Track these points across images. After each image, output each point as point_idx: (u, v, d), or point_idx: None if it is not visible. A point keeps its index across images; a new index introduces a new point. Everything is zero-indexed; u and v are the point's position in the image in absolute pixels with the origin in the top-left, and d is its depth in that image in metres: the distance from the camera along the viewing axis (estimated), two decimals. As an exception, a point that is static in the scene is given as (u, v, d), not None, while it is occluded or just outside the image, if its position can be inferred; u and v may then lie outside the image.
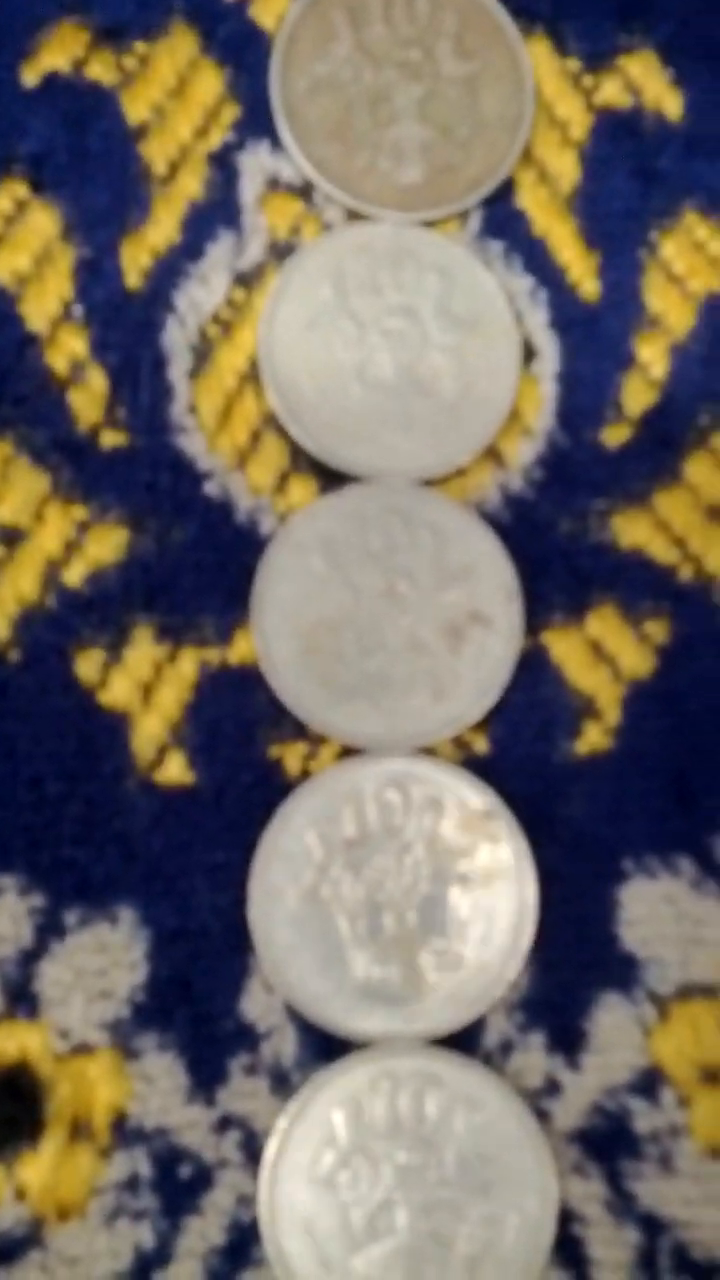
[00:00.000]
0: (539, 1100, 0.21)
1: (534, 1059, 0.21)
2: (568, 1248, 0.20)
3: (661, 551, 0.23)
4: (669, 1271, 0.20)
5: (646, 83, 0.24)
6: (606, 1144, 0.21)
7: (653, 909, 0.21)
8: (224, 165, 0.23)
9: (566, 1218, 0.20)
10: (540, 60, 0.24)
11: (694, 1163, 0.21)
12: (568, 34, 0.24)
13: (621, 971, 0.21)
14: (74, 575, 0.22)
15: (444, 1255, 0.20)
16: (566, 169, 0.24)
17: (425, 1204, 0.20)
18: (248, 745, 0.22)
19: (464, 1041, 0.21)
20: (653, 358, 0.23)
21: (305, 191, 0.23)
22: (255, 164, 0.23)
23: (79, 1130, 0.20)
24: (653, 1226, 0.20)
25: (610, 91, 0.24)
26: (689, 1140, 0.21)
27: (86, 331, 0.23)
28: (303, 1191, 0.20)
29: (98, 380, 0.23)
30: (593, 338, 0.23)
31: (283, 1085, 0.21)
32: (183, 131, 0.23)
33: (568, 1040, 0.21)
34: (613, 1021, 0.21)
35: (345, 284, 0.23)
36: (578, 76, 0.24)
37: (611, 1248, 0.20)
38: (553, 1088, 0.21)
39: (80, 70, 0.24)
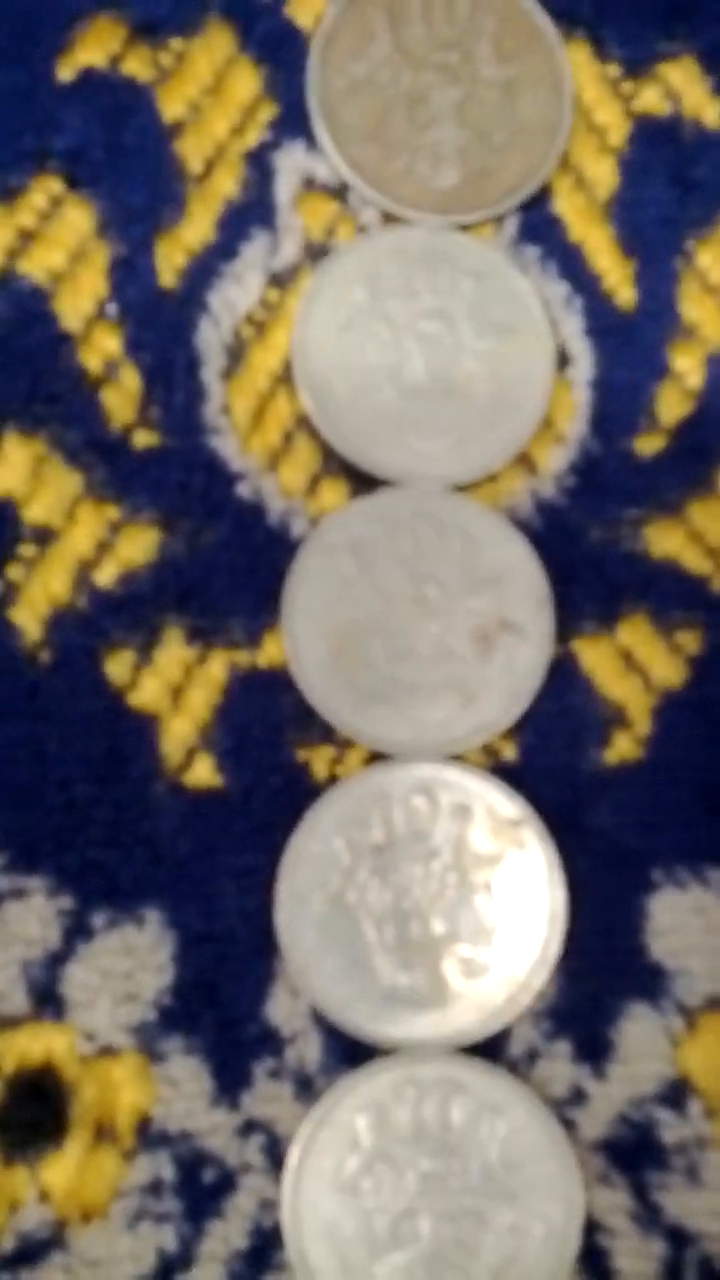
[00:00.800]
0: (565, 1109, 0.21)
1: (560, 1068, 0.21)
2: (593, 1258, 0.20)
3: (694, 562, 0.22)
4: (694, 1284, 0.20)
5: (686, 90, 0.24)
6: (632, 1155, 0.20)
7: (681, 920, 0.21)
8: (260, 164, 0.23)
9: (592, 1228, 0.20)
10: (580, 65, 0.24)
11: None
12: (609, 39, 0.24)
13: (649, 982, 0.21)
14: (105, 576, 0.22)
15: (467, 1264, 0.20)
16: (604, 175, 0.24)
17: (449, 1212, 0.20)
18: (276, 748, 0.21)
19: (490, 1049, 0.21)
20: (688, 367, 0.23)
21: (341, 192, 0.23)
22: (291, 164, 0.23)
23: (103, 1133, 0.20)
24: (679, 1238, 0.20)
25: (649, 98, 0.24)
26: (716, 1152, 0.20)
27: (120, 330, 0.22)
28: (326, 1197, 0.20)
29: (131, 380, 0.22)
30: (628, 345, 0.23)
31: (307, 1090, 0.20)
32: (219, 129, 0.23)
33: (594, 1050, 0.21)
34: (640, 1032, 0.21)
35: (380, 286, 0.23)
36: (617, 82, 0.24)
37: (637, 1259, 0.20)
38: (579, 1097, 0.21)
39: (116, 66, 0.23)
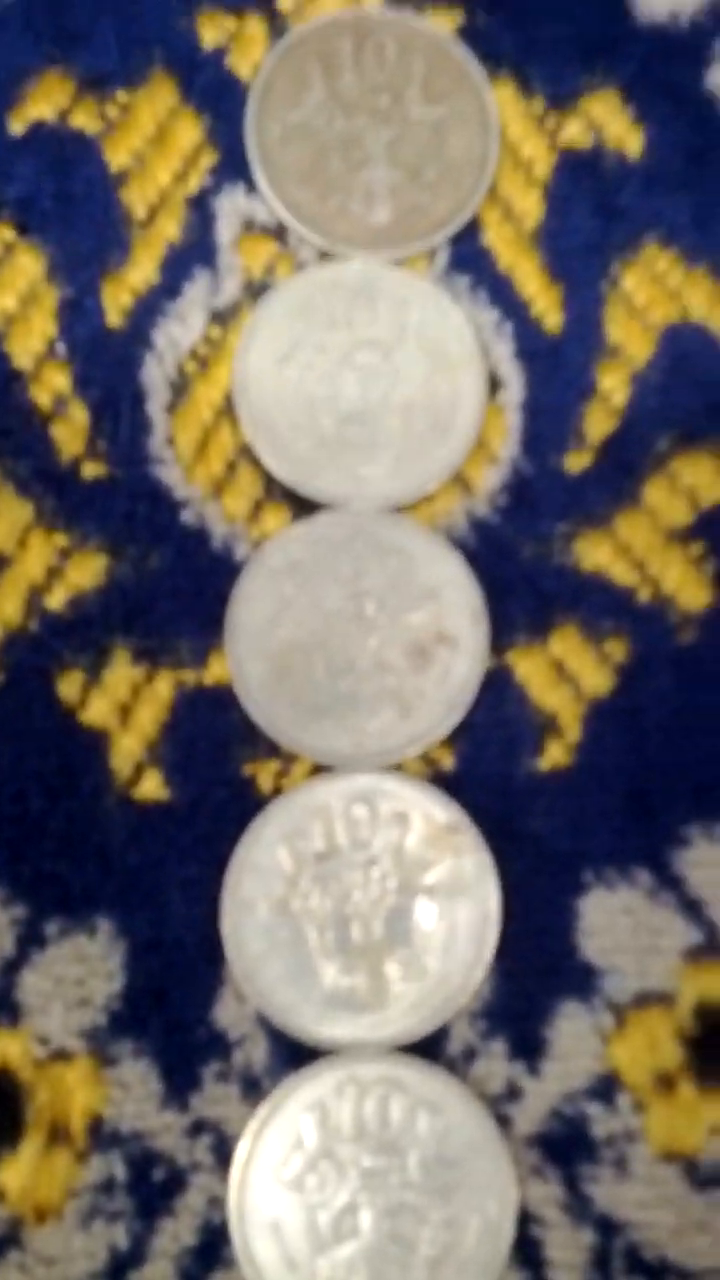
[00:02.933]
0: (500, 1105, 0.20)
1: (496, 1065, 0.20)
2: (526, 1249, 0.19)
3: (621, 574, 0.22)
4: (622, 1272, 0.19)
5: (608, 122, 0.23)
6: (565, 1148, 0.20)
7: (611, 919, 0.20)
8: (201, 208, 0.23)
9: (525, 1220, 0.19)
10: (506, 102, 0.23)
11: (648, 1166, 0.20)
12: (533, 76, 0.23)
13: (581, 980, 0.20)
14: (56, 600, 0.21)
15: (406, 1257, 0.19)
16: (531, 206, 0.23)
17: (389, 1207, 0.19)
18: (221, 763, 0.21)
19: (429, 1048, 0.20)
20: (613, 386, 0.22)
21: (279, 233, 0.23)
22: (231, 207, 0.23)
23: (57, 1134, 0.20)
24: (607, 1228, 0.20)
25: (573, 131, 0.23)
26: (644, 1144, 0.20)
27: (69, 368, 0.22)
28: (271, 1194, 0.19)
29: (79, 414, 0.22)
30: (556, 368, 0.22)
31: (253, 1091, 0.20)
32: (162, 177, 0.23)
33: (528, 1047, 0.20)
34: (572, 1029, 0.20)
35: (316, 320, 0.22)
36: (542, 117, 0.23)
37: (568, 1249, 0.19)
38: (514, 1093, 0.20)
39: (65, 119, 0.23)
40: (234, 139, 0.23)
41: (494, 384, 0.22)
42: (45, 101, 0.23)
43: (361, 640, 0.21)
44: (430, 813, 0.21)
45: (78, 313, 0.22)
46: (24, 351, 0.22)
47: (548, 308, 0.23)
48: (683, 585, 0.21)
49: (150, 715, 0.21)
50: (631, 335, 0.23)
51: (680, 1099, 0.20)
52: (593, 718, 0.21)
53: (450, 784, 0.21)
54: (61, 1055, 0.20)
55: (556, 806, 0.21)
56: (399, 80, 0.23)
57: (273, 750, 0.21)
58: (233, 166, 0.23)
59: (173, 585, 0.21)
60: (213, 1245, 0.19)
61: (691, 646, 0.21)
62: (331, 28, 0.24)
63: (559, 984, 0.20)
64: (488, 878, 0.20)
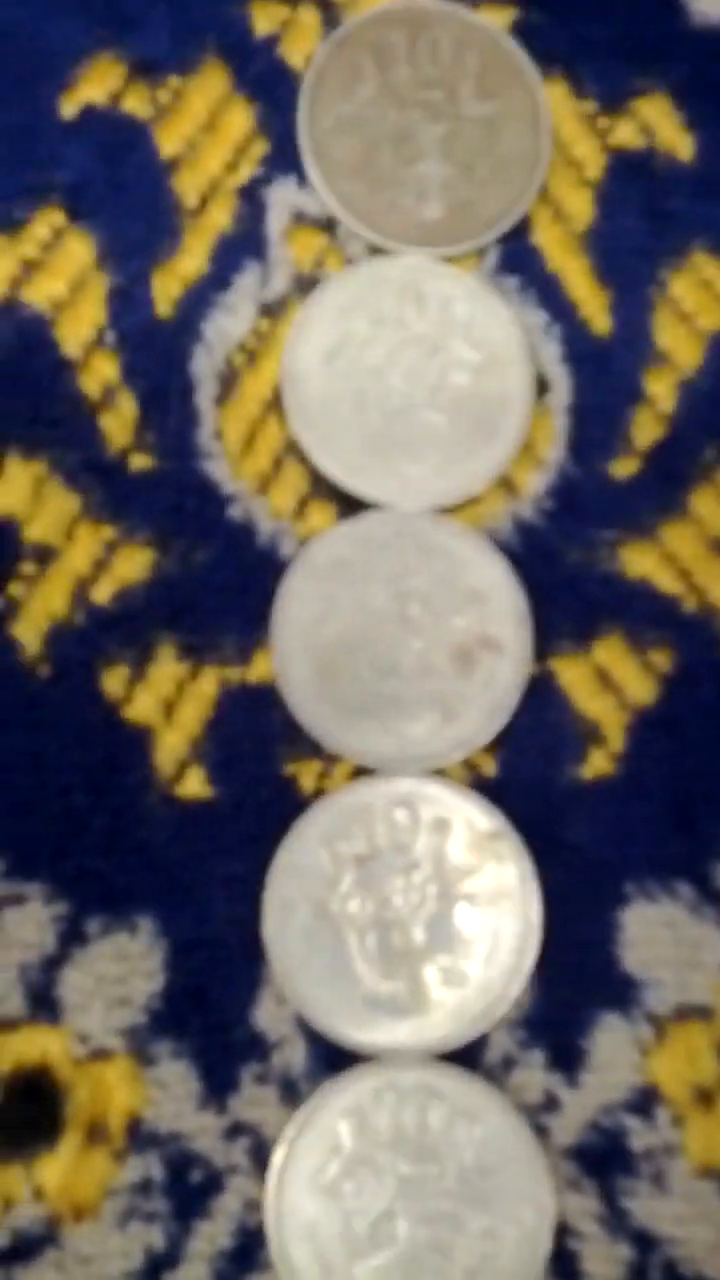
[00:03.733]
0: (538, 1116, 0.18)
1: (534, 1075, 0.18)
2: (563, 1261, 0.18)
3: (667, 582, 0.20)
4: (660, 1289, 0.18)
5: (660, 125, 0.21)
6: (602, 1161, 0.18)
7: (652, 932, 0.19)
8: (252, 199, 0.21)
9: (562, 1232, 0.18)
10: (558, 101, 0.21)
11: (686, 1181, 0.18)
12: (585, 76, 0.22)
13: (621, 992, 0.19)
14: (102, 593, 0.20)
15: (442, 1266, 0.18)
16: (581, 208, 0.21)
17: (425, 1214, 0.18)
18: (264, 762, 0.19)
19: (467, 1057, 0.18)
20: (661, 393, 0.21)
21: (329, 226, 0.21)
22: (282, 198, 0.21)
23: (95, 1133, 0.18)
24: (644, 1243, 0.18)
25: (624, 133, 0.21)
26: (682, 1159, 0.18)
27: (118, 357, 0.20)
28: (308, 1199, 0.18)
29: (128, 405, 0.20)
30: (604, 372, 0.21)
31: (291, 1094, 0.18)
32: (213, 165, 0.21)
33: (567, 1058, 0.19)
34: (611, 1041, 0.19)
35: (365, 316, 0.20)
36: (593, 118, 0.22)
37: (605, 1262, 0.18)
38: (552, 1104, 0.18)
39: (116, 104, 0.21)
40: (285, 129, 0.21)
41: (541, 386, 0.21)
42: (97, 86, 0.21)
43: (406, 642, 0.20)
44: (472, 819, 0.19)
45: (127, 301, 0.20)
46: (74, 339, 0.20)
47: (596, 311, 0.21)
48: (729, 596, 0.21)
49: (194, 712, 0.19)
50: (680, 342, 0.21)
51: (719, 1115, 0.19)
52: (636, 727, 0.19)
53: (492, 790, 0.19)
54: (101, 1054, 0.18)
55: (599, 816, 0.19)
56: (453, 75, 0.22)
57: (315, 750, 0.19)
58: (284, 157, 0.21)
59: (218, 581, 0.20)
60: (248, 1248, 0.18)
61: (736, 657, 0.20)
62: (385, 20, 0.22)
63: (599, 995, 0.19)
64: (530, 886, 0.19)
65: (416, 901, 0.19)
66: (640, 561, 0.20)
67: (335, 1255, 0.17)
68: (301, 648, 0.19)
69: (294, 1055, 0.18)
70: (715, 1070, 0.18)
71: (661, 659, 0.20)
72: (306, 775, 0.19)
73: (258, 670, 0.19)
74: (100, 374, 0.20)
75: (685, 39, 0.22)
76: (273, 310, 0.21)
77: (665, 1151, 0.18)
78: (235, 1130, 0.18)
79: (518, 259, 0.21)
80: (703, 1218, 0.18)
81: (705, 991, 0.19)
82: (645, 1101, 0.18)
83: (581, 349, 0.21)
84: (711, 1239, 0.18)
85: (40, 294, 0.20)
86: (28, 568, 0.20)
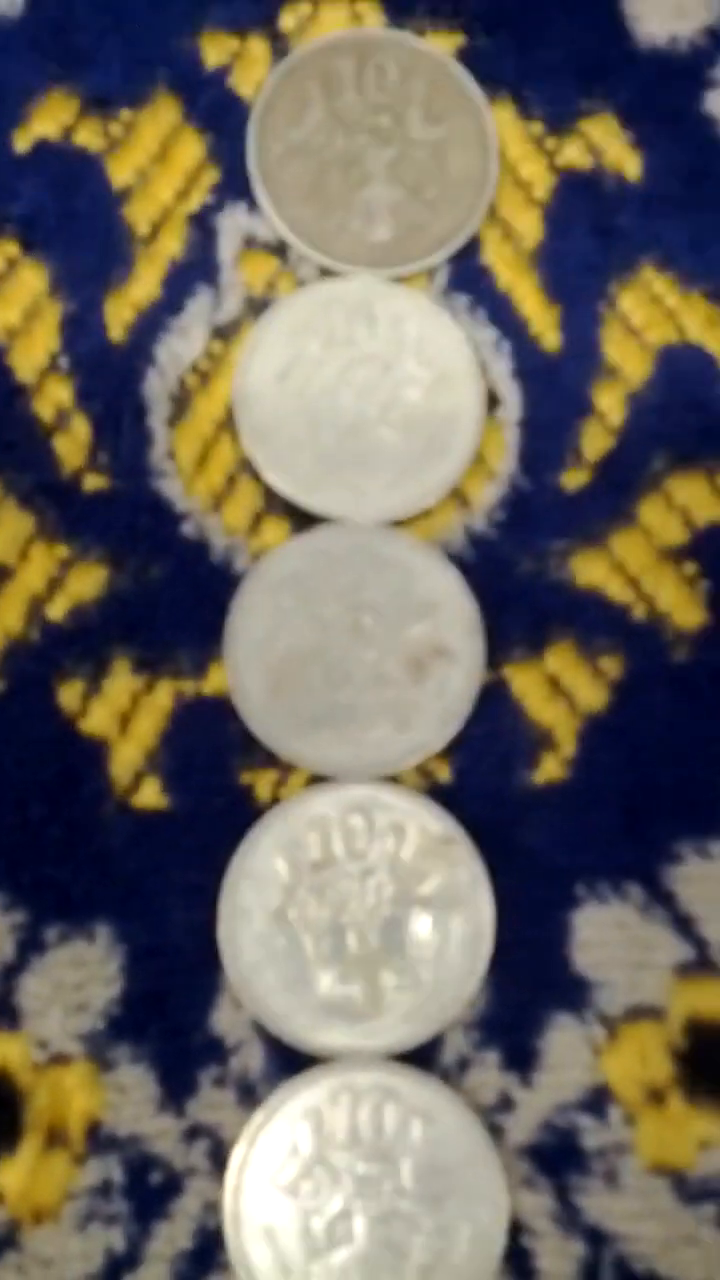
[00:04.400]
0: (493, 1116, 0.22)
1: (489, 1076, 0.22)
2: (517, 1258, 0.22)
3: (617, 591, 0.24)
4: (612, 1281, 0.22)
5: (607, 145, 0.26)
6: (556, 1159, 0.22)
7: (603, 933, 0.23)
8: (203, 226, 0.26)
9: (516, 1229, 0.22)
10: (506, 124, 0.26)
11: (638, 1178, 0.22)
12: (532, 99, 0.27)
13: (573, 993, 0.23)
14: (57, 610, 0.24)
15: (399, 1264, 0.21)
16: (530, 227, 0.26)
17: (382, 1214, 0.21)
18: (220, 772, 0.23)
19: (423, 1058, 0.22)
20: (610, 406, 0.25)
21: (280, 250, 0.26)
22: (233, 224, 0.26)
23: (55, 1137, 0.22)
24: (597, 1239, 0.22)
25: (572, 153, 0.26)
26: (633, 1157, 0.22)
27: (71, 381, 0.25)
28: (266, 1199, 0.21)
29: (82, 427, 0.25)
30: (554, 387, 0.25)
31: (249, 1097, 0.22)
32: (165, 194, 0.26)
33: (521, 1058, 0.23)
34: (564, 1041, 0.23)
35: (316, 336, 0.25)
36: (541, 139, 0.26)
37: (558, 1259, 0.22)
38: (506, 1104, 0.22)
39: (69, 137, 0.26)
40: (236, 157, 0.26)
41: (492, 401, 0.25)
42: (50, 120, 0.26)
43: (360, 652, 0.24)
44: (426, 824, 0.23)
45: (80, 328, 0.25)
46: (27, 365, 0.25)
47: (546, 327, 0.26)
48: (677, 604, 0.24)
49: (149, 724, 0.24)
50: (628, 356, 0.25)
51: (670, 1113, 0.22)
52: (587, 733, 0.24)
53: (446, 796, 0.23)
54: (60, 1059, 0.22)
55: (551, 820, 0.23)
56: (400, 100, 0.26)
57: (270, 760, 0.23)
58: (234, 184, 0.26)
59: (173, 596, 0.24)
60: (208, 1249, 0.22)
61: (685, 664, 0.24)
62: (333, 48, 0.27)
63: (551, 996, 0.23)
64: (482, 889, 0.23)
65: (372, 906, 0.22)
66: (590, 570, 0.24)
67: (293, 1255, 0.21)
68: (256, 660, 0.23)
69: (252, 1058, 0.22)
70: (666, 1069, 0.22)
71: (612, 666, 0.24)
72: (262, 784, 0.23)
73: (212, 683, 0.24)
74: (54, 398, 0.25)
75: (631, 60, 0.27)
76: (225, 333, 0.25)
77: (617, 1150, 0.22)
78: (194, 1132, 0.22)
79: (468, 278, 0.26)
80: (654, 1214, 0.22)
81: (656, 992, 0.23)
82: (598, 1100, 0.22)
83: (532, 364, 0.25)
84: (662, 1235, 0.22)
85: None
86: None
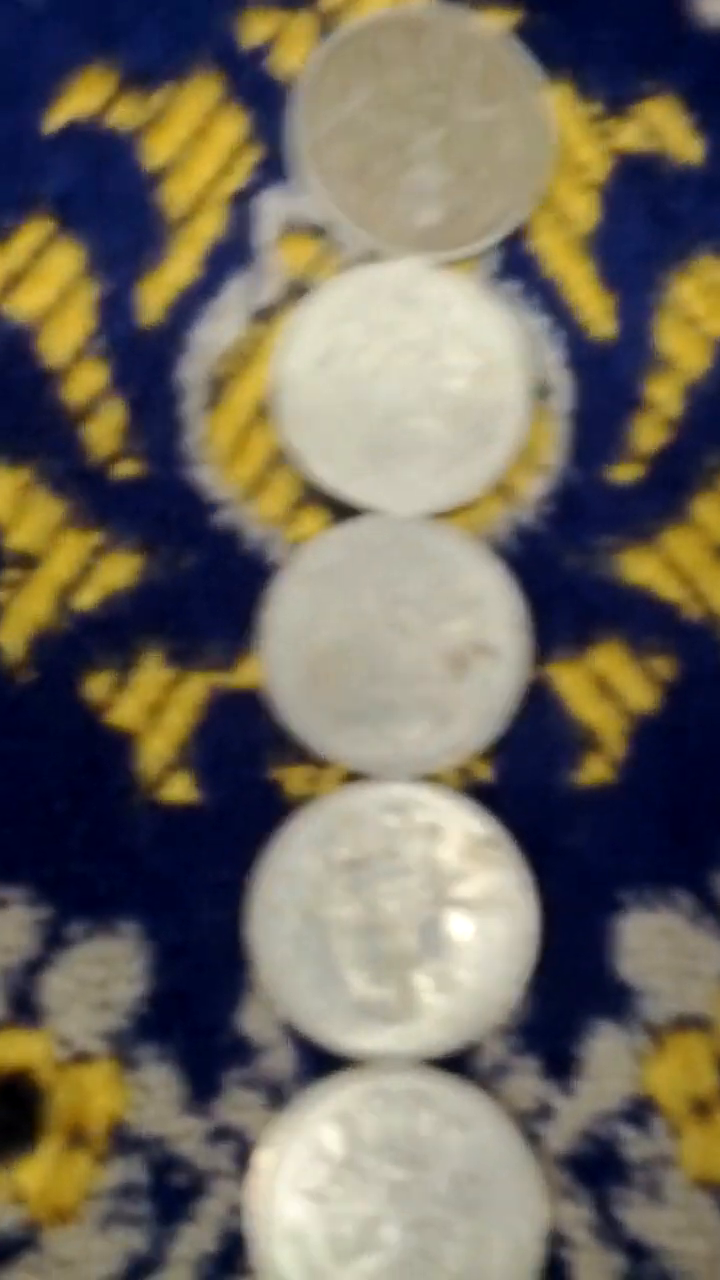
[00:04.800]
0: (531, 1124, 0.24)
1: (527, 1083, 0.24)
2: (555, 1271, 0.24)
3: (668, 589, 0.26)
4: (652, 1296, 0.23)
5: (667, 127, 0.28)
6: (596, 1170, 0.24)
7: (649, 941, 0.25)
8: (243, 207, 0.28)
9: (554, 1241, 0.24)
10: (563, 105, 0.29)
11: (682, 1193, 0.24)
12: (590, 79, 0.29)
13: (617, 1001, 0.25)
14: (87, 599, 0.26)
15: (431, 1272, 0.23)
16: (584, 211, 0.28)
17: (414, 1221, 0.23)
18: (251, 767, 0.26)
19: (458, 1063, 0.24)
20: (665, 398, 0.27)
21: (322, 233, 0.28)
22: (273, 206, 0.28)
23: (77, 1137, 0.24)
24: (638, 1254, 0.24)
25: (630, 136, 0.28)
26: (678, 1170, 0.24)
27: (105, 366, 0.27)
28: (294, 1203, 0.23)
29: (115, 413, 0.27)
30: (606, 377, 0.27)
31: (277, 1099, 0.24)
32: (204, 174, 0.28)
33: (561, 1066, 0.24)
34: (606, 1049, 0.24)
35: (358, 322, 0.27)
36: (599, 120, 0.28)
37: (597, 1273, 0.24)
38: (545, 1112, 0.24)
39: (105, 114, 0.28)
40: (276, 137, 0.28)
41: (542, 390, 0.27)
42: (87, 96, 0.28)
43: (399, 647, 0.26)
44: (466, 825, 0.25)
45: (115, 310, 0.27)
46: (60, 349, 0.27)
47: (599, 316, 0.28)
48: (732, 603, 0.26)
49: (180, 717, 0.26)
50: (685, 347, 0.27)
51: (716, 1126, 0.24)
52: (636, 734, 0.26)
53: (487, 796, 0.25)
54: (83, 1058, 0.24)
55: (596, 823, 0.25)
56: (453, 79, 0.28)
57: (304, 756, 0.26)
58: (275, 165, 0.28)
59: (205, 587, 0.26)
60: (232, 1253, 0.24)
61: (739, 665, 0.26)
62: (383, 25, 0.29)
63: (594, 1004, 0.25)
64: (526, 893, 0.25)
65: (408, 907, 0.24)
66: (641, 567, 0.26)
67: (321, 1260, 0.23)
68: (292, 653, 0.25)
69: (280, 1060, 0.24)
70: (713, 1081, 0.24)
71: (663, 666, 0.26)
72: (294, 780, 0.25)
73: (244, 675, 0.25)
74: (87, 382, 0.27)
75: (693, 41, 0.29)
76: (263, 317, 0.27)
77: (660, 1162, 0.24)
78: (219, 1134, 0.24)
79: (518, 264, 0.28)
80: (698, 1230, 0.23)
81: (703, 1002, 0.24)
82: (641, 1111, 0.24)
83: (584, 354, 0.27)
84: (706, 1251, 0.23)
85: (27, 304, 0.27)
86: (11, 574, 0.26)
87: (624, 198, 0.28)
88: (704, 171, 0.28)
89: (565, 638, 0.26)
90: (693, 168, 0.28)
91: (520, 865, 0.25)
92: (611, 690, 0.26)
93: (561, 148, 0.28)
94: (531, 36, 0.29)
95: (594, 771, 0.26)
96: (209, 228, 0.28)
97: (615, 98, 0.29)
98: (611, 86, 0.29)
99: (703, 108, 0.28)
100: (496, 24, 0.29)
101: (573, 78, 0.29)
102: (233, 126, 0.28)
